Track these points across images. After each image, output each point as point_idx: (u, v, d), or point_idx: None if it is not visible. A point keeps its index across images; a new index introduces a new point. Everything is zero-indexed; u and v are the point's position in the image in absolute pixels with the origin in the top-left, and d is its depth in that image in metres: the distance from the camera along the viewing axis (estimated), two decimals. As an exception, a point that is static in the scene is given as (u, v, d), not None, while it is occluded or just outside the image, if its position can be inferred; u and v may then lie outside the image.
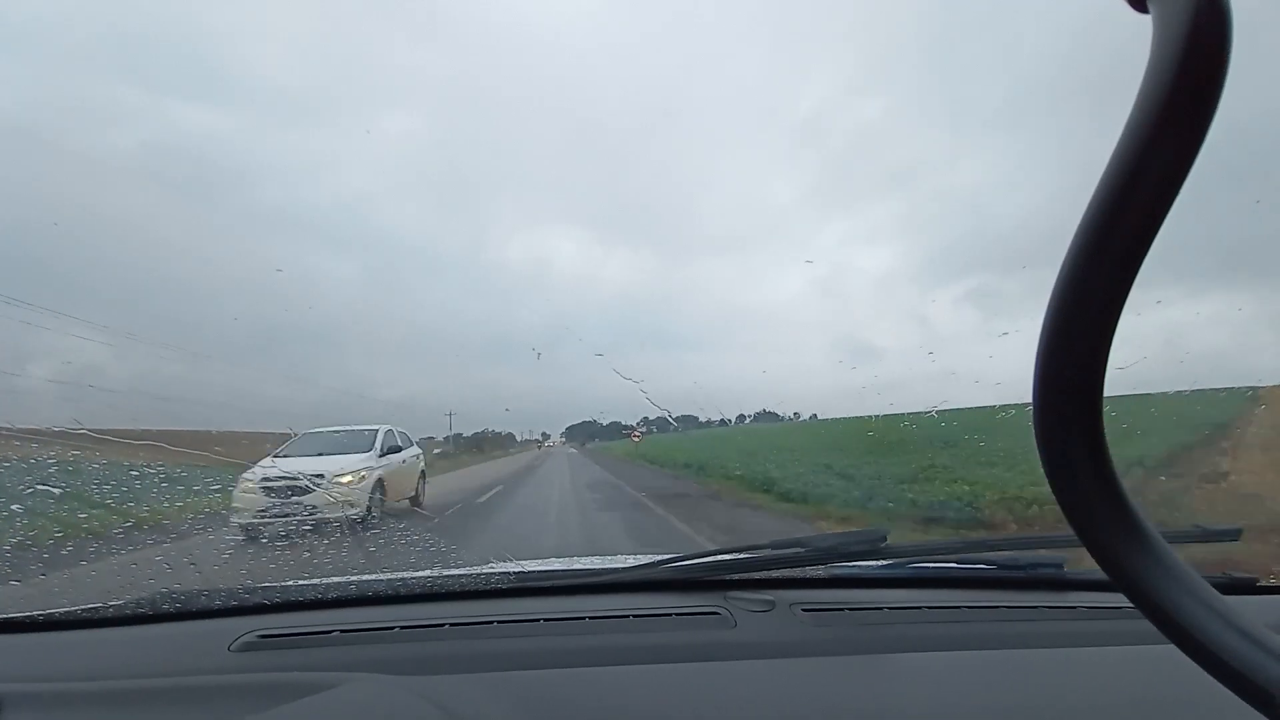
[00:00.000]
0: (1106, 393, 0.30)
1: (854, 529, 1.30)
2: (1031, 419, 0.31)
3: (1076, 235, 0.28)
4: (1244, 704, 0.28)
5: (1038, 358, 0.30)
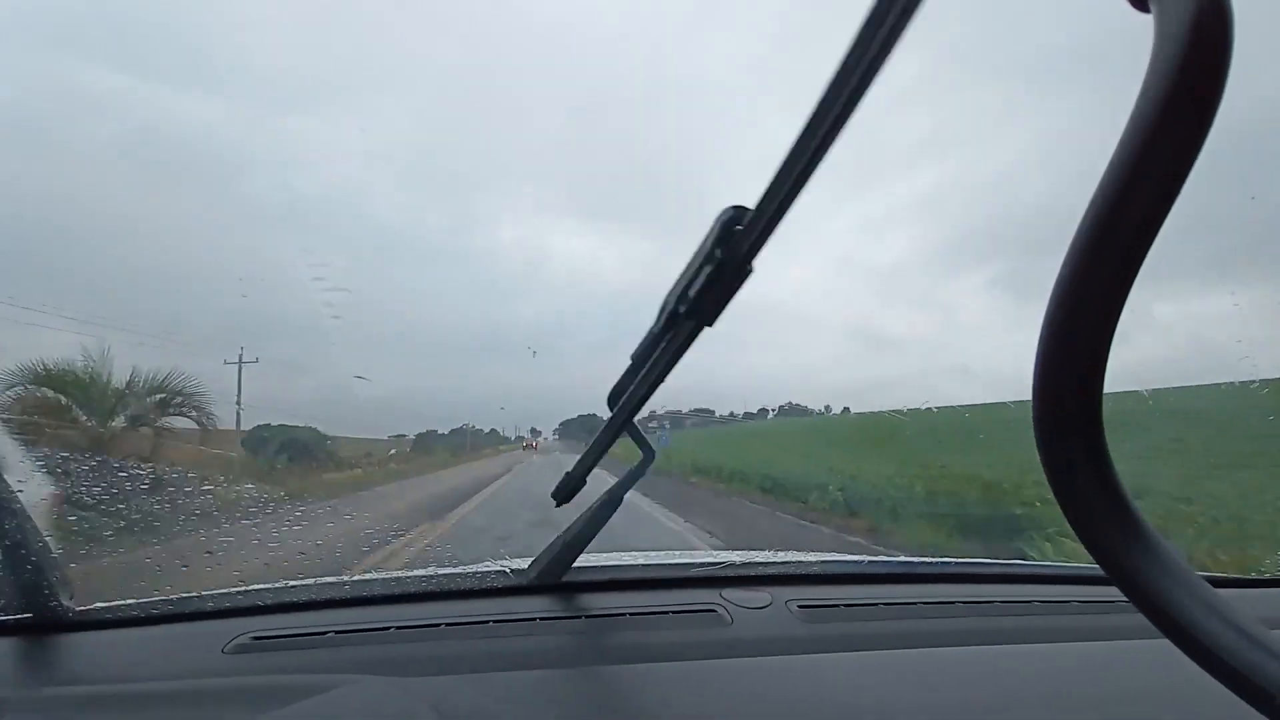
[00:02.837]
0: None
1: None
2: (1032, 415, 0.31)
3: (1077, 234, 0.28)
4: (1239, 700, 0.28)
5: (1038, 356, 0.31)
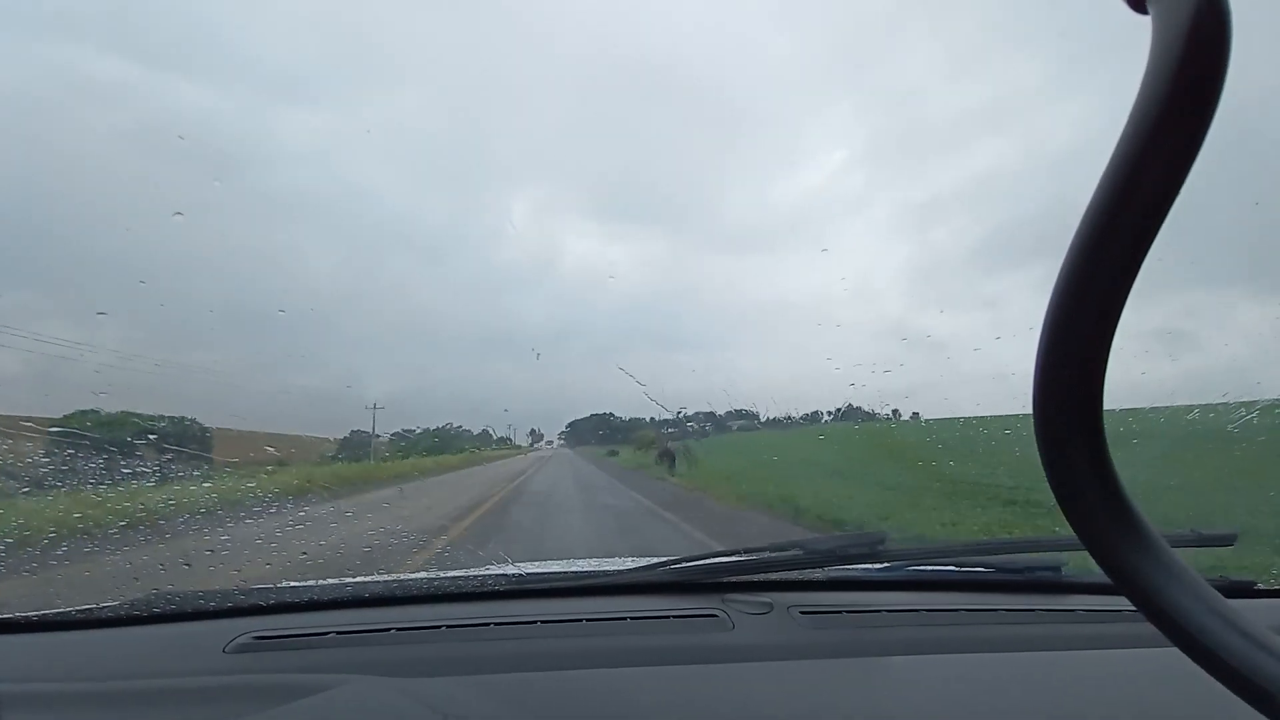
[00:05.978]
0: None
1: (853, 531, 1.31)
2: (1033, 421, 0.31)
3: (1077, 235, 0.28)
4: (1246, 707, 0.28)
5: (1038, 359, 0.30)
